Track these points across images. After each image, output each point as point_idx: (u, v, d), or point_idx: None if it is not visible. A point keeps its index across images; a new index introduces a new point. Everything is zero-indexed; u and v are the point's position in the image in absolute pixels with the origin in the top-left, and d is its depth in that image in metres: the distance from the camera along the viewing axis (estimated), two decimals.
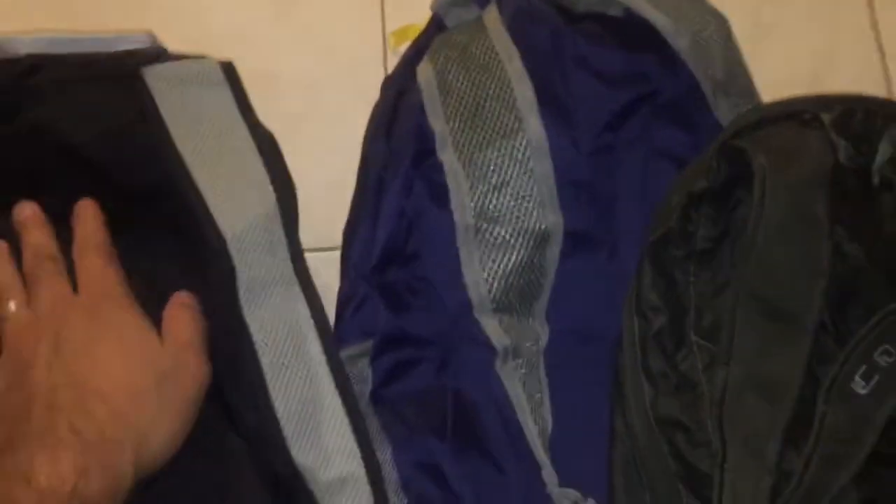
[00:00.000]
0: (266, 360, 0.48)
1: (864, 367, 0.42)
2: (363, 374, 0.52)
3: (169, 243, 0.51)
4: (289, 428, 0.48)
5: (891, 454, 0.44)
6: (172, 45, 0.57)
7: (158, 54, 0.55)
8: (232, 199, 0.51)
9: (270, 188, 0.51)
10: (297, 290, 0.50)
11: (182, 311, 0.49)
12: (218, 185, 0.51)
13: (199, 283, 0.50)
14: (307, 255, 0.52)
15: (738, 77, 0.55)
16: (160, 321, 0.48)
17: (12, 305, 0.47)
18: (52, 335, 0.45)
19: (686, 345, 0.48)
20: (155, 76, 0.53)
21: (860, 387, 0.42)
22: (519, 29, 0.53)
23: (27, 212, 0.50)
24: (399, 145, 0.53)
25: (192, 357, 0.47)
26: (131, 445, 0.43)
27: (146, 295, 0.49)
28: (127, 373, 0.45)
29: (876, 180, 0.49)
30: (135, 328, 0.47)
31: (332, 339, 0.51)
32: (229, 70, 0.54)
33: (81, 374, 0.44)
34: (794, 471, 0.42)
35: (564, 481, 0.49)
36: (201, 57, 0.55)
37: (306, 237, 0.53)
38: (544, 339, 0.52)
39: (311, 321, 0.50)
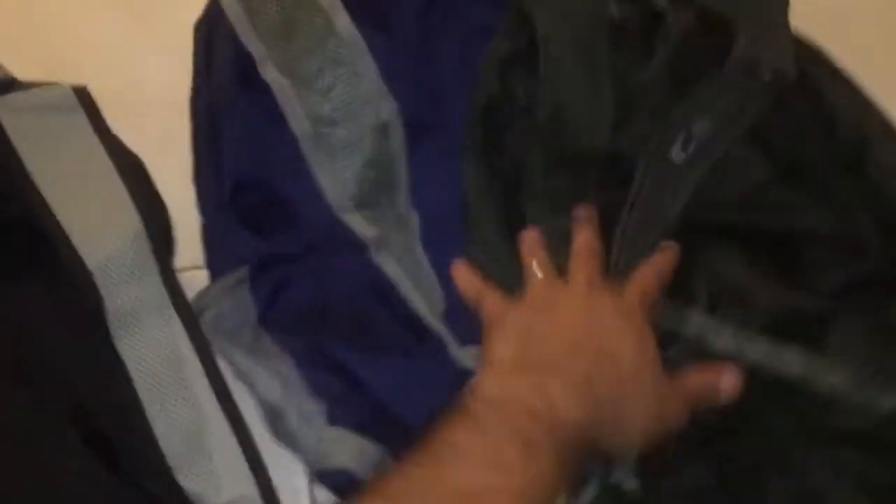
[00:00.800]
0: (143, 387, 0.47)
1: (681, 137, 0.47)
2: (245, 302, 0.53)
3: (34, 281, 0.49)
4: (173, 455, 0.47)
5: None
6: (24, 73, 0.54)
7: (8, 84, 0.53)
8: (94, 227, 0.49)
9: (135, 212, 0.50)
10: (171, 312, 0.49)
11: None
12: (79, 215, 0.49)
13: (69, 317, 0.48)
14: (187, 274, 0.53)
15: None
16: (29, 365, 0.46)
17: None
18: (583, 300, 0.47)
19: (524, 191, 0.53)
20: (5, 107, 0.51)
21: (677, 156, 0.48)
22: None
23: (584, 212, 0.50)
24: (221, 76, 0.54)
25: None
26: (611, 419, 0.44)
27: (15, 336, 0.47)
28: (637, 367, 0.45)
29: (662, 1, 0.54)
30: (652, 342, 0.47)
31: (213, 360, 0.50)
32: (83, 95, 0.52)
33: (604, 340, 0.45)
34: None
35: (462, 339, 0.52)
36: (53, 84, 0.53)
37: (184, 256, 0.54)
38: (415, 224, 0.55)
39: (190, 343, 0.49)
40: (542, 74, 0.53)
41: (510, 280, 0.52)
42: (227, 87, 0.54)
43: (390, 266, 0.53)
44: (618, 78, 0.52)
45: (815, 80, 0.52)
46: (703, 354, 0.49)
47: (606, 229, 0.49)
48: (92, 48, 0.63)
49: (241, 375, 0.52)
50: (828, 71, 0.54)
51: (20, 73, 0.54)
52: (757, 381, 0.47)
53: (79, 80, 0.53)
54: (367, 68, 0.53)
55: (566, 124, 0.52)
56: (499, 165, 0.52)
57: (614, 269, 0.50)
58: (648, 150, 0.48)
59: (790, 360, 0.50)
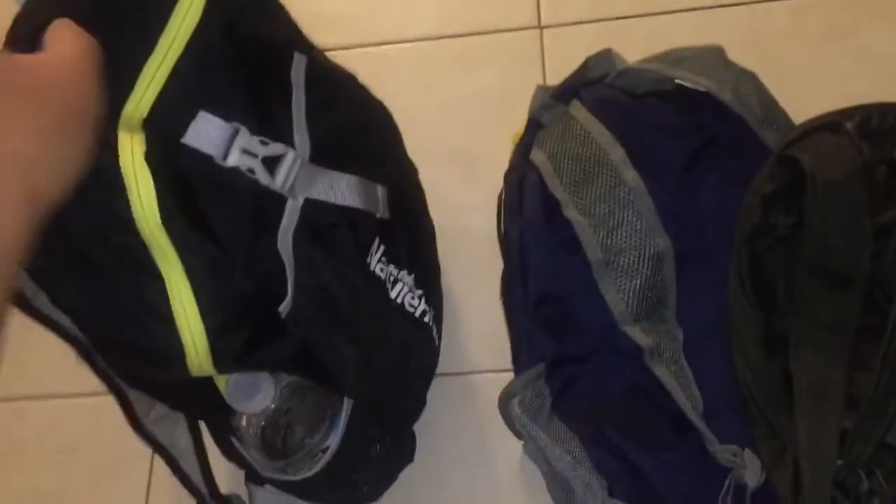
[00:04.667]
0: None
1: None
2: (543, 391, 0.66)
3: None
4: None
5: None
6: None
7: None
8: None
9: None
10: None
11: (65, 29, 0.47)
12: None
13: None
14: (491, 375, 0.71)
15: (774, 112, 0.71)
16: None
17: None
18: None
19: (779, 311, 0.62)
20: None
21: None
22: (600, 111, 0.71)
23: None
24: (531, 214, 0.70)
25: (69, 74, 0.45)
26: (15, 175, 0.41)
27: None
28: None
29: None
30: None
31: None
32: None
33: None
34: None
35: (720, 438, 0.62)
36: None
37: (490, 361, 0.72)
38: (680, 338, 0.66)
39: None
40: (808, 205, 0.62)
41: (767, 392, 0.62)
42: (536, 222, 0.69)
43: (661, 370, 0.64)
44: (872, 215, 0.62)
45: None
46: None
47: (866, 351, 0.57)
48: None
49: (538, 450, 0.65)
50: None
51: None
52: None
53: None
54: (647, 209, 0.66)
55: (831, 250, 0.61)
56: (759, 288, 0.63)
57: (873, 392, 0.58)
58: None
59: None
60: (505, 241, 0.73)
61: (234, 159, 0.53)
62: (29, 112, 0.42)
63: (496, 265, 0.74)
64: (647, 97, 0.73)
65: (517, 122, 0.78)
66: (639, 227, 0.66)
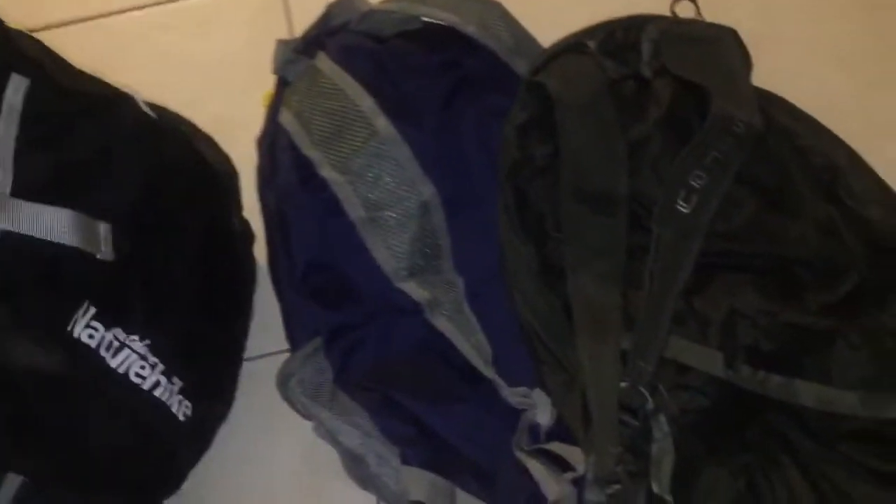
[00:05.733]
0: None
1: (683, 192, 0.56)
2: (322, 366, 0.61)
3: None
4: None
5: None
6: None
7: None
8: None
9: None
10: None
11: None
12: None
13: None
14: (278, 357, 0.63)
15: (525, 41, 0.69)
16: None
17: None
18: None
19: (550, 241, 0.61)
20: None
21: (683, 207, 0.56)
22: (345, 60, 0.66)
23: None
24: (285, 180, 0.64)
25: None
26: None
27: None
28: None
29: (648, 73, 0.64)
30: None
31: None
32: None
33: None
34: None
35: (511, 384, 0.60)
36: None
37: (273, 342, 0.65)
38: (461, 285, 0.63)
39: None
40: (560, 130, 0.61)
41: (549, 326, 0.60)
42: (292, 187, 0.63)
43: (442, 322, 0.61)
44: (624, 131, 0.61)
45: (780, 121, 0.61)
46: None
47: (637, 269, 0.57)
48: None
49: (325, 429, 0.60)
50: (787, 111, 0.62)
51: None
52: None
53: None
54: (406, 157, 0.63)
55: (588, 173, 0.60)
56: (527, 222, 0.61)
57: (646, 308, 0.57)
58: (659, 205, 0.57)
59: (805, 394, 0.56)
60: (264, 211, 0.67)
61: None
62: None
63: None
64: (394, 39, 0.69)
65: (270, 82, 0.72)
66: (399, 177, 0.63)
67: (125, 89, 0.62)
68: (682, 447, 0.55)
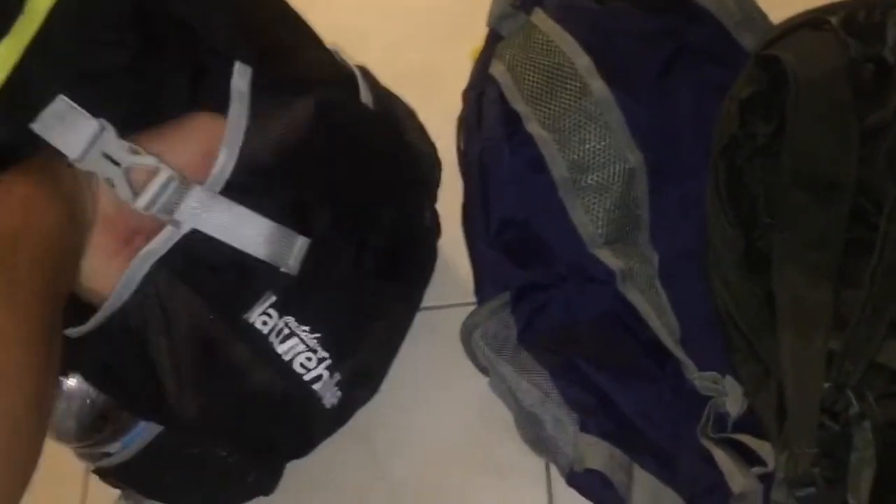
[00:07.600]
0: None
1: None
2: (508, 322, 0.61)
3: None
4: None
5: None
6: None
7: None
8: None
9: None
10: None
11: None
12: None
13: None
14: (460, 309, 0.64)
15: (752, 14, 0.66)
16: None
17: None
18: None
19: (760, 226, 0.57)
20: None
21: None
22: (564, 18, 0.64)
23: None
24: (490, 133, 0.64)
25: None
26: None
27: None
28: None
29: (892, 59, 0.59)
30: None
31: None
32: None
33: None
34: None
35: (698, 365, 0.58)
36: None
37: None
38: (655, 261, 0.61)
39: None
40: (789, 108, 0.57)
41: (747, 314, 0.57)
42: (496, 140, 0.63)
43: (634, 295, 0.59)
44: (859, 117, 0.57)
45: None
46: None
47: (854, 266, 0.53)
48: None
49: (504, 384, 0.60)
50: None
51: None
52: None
53: None
54: (617, 122, 0.61)
55: (814, 157, 0.56)
56: (738, 203, 0.58)
57: (862, 310, 0.53)
58: (892, 200, 0.52)
59: None
60: (464, 163, 0.67)
61: (90, 163, 0.45)
62: None
63: (457, 191, 0.68)
64: (615, 1, 0.67)
65: (476, 37, 0.71)
66: (607, 141, 0.61)
67: (350, 65, 0.62)
68: (884, 461, 0.51)
